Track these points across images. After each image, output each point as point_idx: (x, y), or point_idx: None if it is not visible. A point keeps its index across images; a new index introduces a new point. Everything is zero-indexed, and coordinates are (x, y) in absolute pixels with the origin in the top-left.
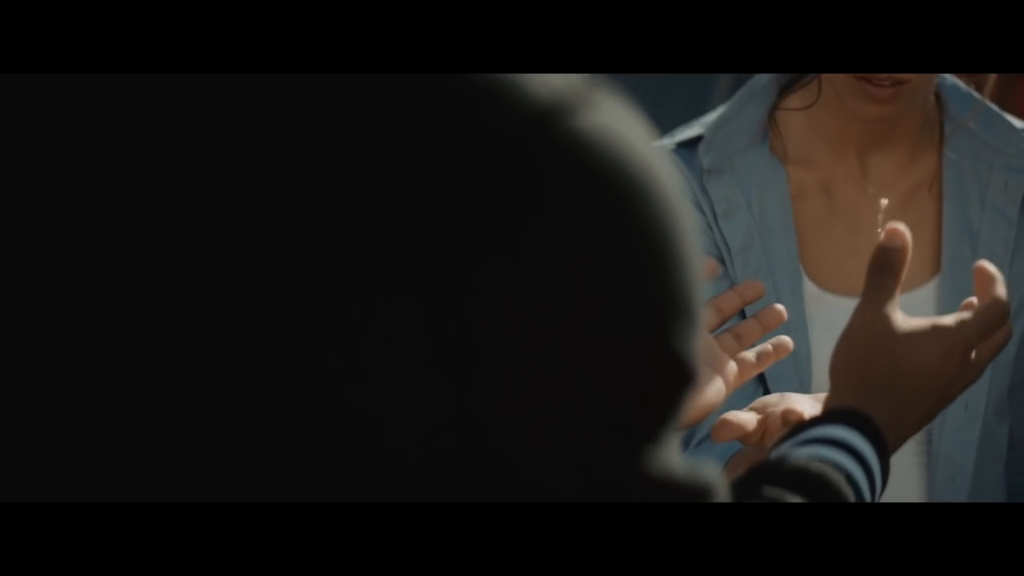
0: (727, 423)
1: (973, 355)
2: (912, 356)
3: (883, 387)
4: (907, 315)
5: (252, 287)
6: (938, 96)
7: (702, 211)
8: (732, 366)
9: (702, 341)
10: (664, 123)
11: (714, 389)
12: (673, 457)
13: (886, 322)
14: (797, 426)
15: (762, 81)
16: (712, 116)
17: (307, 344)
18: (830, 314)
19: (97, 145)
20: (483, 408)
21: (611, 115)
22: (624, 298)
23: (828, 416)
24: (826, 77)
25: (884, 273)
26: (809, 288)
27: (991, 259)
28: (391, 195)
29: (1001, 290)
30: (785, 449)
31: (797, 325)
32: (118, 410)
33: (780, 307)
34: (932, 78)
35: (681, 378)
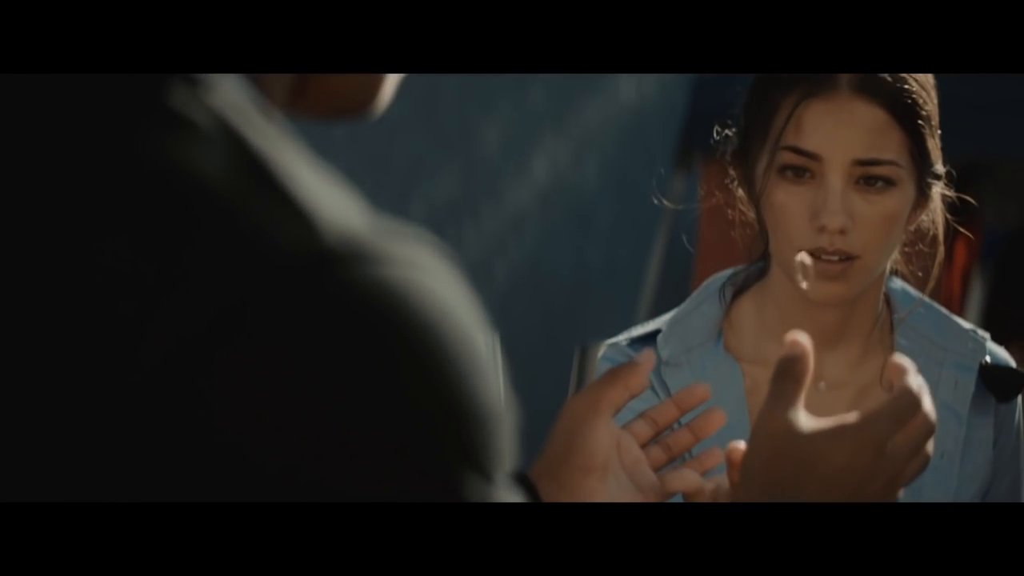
0: (681, 473)
1: (888, 448)
2: (815, 455)
3: (786, 487)
4: (812, 416)
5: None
6: (888, 299)
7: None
8: (653, 480)
9: (626, 453)
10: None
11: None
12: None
13: (787, 425)
14: None
15: (717, 283)
16: (668, 315)
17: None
18: None
19: None
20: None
21: (417, 271)
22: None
23: None
24: (776, 259)
25: (785, 381)
26: None
27: (943, 457)
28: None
29: (911, 380)
30: None
31: None
32: None
33: (719, 411)
34: (882, 257)
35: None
